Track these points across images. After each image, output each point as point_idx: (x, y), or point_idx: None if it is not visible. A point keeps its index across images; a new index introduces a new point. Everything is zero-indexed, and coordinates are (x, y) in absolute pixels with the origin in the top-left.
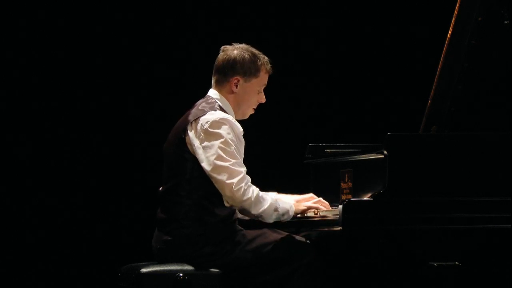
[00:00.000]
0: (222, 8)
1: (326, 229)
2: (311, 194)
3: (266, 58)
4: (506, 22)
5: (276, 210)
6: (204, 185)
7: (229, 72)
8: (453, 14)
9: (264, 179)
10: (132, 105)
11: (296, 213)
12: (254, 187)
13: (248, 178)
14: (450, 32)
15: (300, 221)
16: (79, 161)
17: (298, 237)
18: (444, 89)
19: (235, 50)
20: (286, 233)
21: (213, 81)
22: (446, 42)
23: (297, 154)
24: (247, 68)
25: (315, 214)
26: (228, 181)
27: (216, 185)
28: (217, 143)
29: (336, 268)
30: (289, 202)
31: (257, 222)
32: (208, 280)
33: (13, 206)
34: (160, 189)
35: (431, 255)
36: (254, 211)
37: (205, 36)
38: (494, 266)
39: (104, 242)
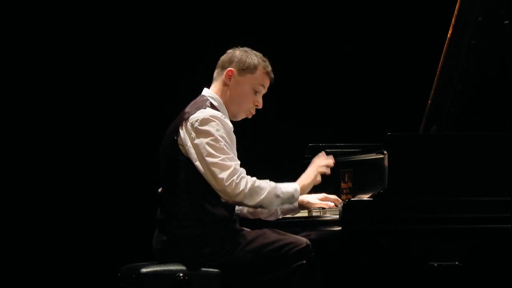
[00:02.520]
0: (219, 8)
1: (326, 229)
2: (324, 194)
3: (268, 61)
4: (506, 22)
5: (277, 196)
6: (201, 185)
7: (226, 64)
8: (453, 14)
9: (264, 179)
10: (133, 104)
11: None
12: (248, 178)
13: (241, 170)
14: (450, 32)
15: (299, 221)
16: (79, 161)
17: (298, 237)
18: (444, 89)
19: (238, 51)
20: (286, 233)
21: (213, 77)
22: (446, 42)
23: (297, 154)
24: (243, 63)
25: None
26: (219, 176)
27: (209, 182)
28: (206, 140)
29: (336, 268)
30: (292, 184)
31: (257, 222)
32: (208, 280)
33: (14, 206)
34: (159, 190)
35: (431, 255)
36: (252, 203)
37: (207, 37)
38: (494, 266)
39: (104, 242)
